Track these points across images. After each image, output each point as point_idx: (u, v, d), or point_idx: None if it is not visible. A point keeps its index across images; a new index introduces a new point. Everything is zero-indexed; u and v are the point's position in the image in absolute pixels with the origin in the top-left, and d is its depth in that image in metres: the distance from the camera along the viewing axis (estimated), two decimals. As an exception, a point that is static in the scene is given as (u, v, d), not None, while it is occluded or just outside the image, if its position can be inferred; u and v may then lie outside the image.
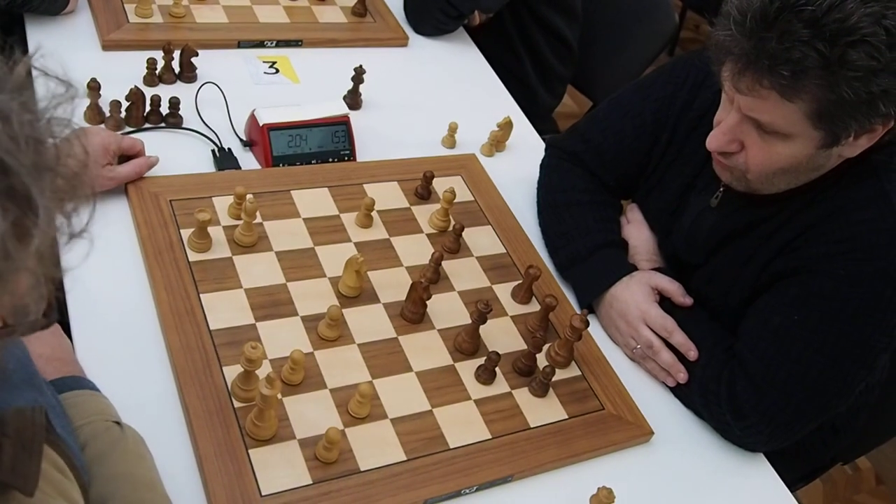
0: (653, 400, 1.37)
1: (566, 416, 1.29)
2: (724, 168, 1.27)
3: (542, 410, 1.28)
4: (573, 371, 1.35)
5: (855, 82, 1.04)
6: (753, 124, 1.16)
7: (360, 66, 1.71)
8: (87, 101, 1.51)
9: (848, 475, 2.66)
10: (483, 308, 1.28)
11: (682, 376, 1.35)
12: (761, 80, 1.09)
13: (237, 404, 1.15)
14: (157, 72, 1.63)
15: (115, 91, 1.53)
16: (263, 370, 1.14)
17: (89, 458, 0.94)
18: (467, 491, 1.17)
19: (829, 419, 1.55)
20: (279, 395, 1.17)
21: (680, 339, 1.35)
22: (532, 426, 1.26)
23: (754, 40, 1.07)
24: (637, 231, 1.51)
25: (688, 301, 1.40)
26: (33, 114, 0.58)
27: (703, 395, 1.33)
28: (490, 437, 1.23)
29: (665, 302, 1.41)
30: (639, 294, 1.40)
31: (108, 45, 1.67)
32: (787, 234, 1.27)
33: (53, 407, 0.92)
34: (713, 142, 1.22)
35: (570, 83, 2.42)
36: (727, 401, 1.29)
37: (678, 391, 1.37)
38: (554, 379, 1.31)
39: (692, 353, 1.34)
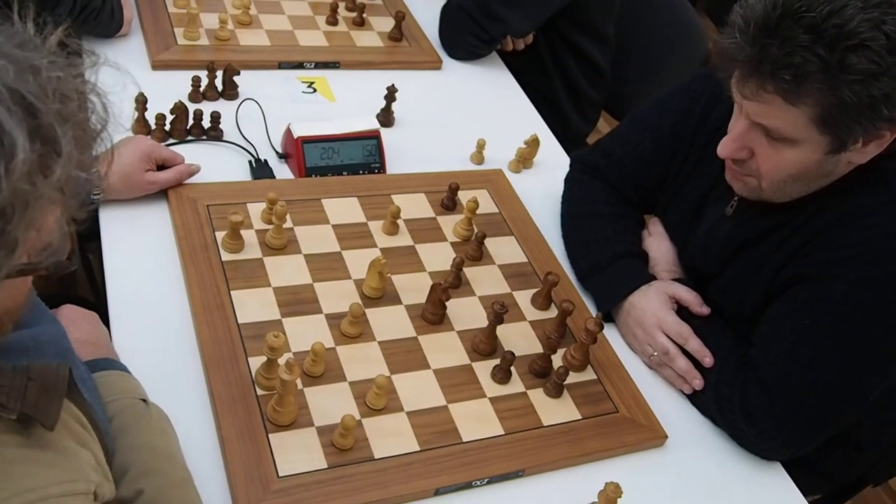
0: (669, 405, 1.40)
1: (579, 417, 1.32)
2: (737, 178, 1.31)
3: (555, 410, 1.31)
4: (589, 374, 1.38)
5: (856, 86, 1.08)
6: (762, 131, 1.20)
7: (393, 85, 1.78)
8: (135, 115, 1.60)
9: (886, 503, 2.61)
10: (499, 309, 1.32)
11: (698, 382, 1.37)
12: (765, 85, 1.13)
13: (260, 392, 1.21)
14: (201, 89, 1.72)
15: (161, 106, 1.62)
16: (285, 360, 1.19)
17: (115, 430, 1.01)
18: (478, 483, 1.20)
19: (853, 436, 1.56)
20: (300, 385, 1.23)
21: (695, 345, 1.38)
22: (545, 425, 1.29)
23: (757, 47, 1.11)
24: (657, 243, 1.55)
25: (705, 310, 1.43)
26: (61, 72, 0.66)
27: (717, 401, 1.35)
28: (503, 432, 1.26)
29: (682, 311, 1.44)
30: (655, 302, 1.43)
31: (157, 65, 1.77)
32: (800, 240, 1.29)
33: (85, 381, 0.98)
34: (723, 149, 1.26)
35: (604, 109, 2.47)
36: (740, 406, 1.31)
37: (694, 398, 1.40)
38: (569, 381, 1.34)
39: (707, 359, 1.37)
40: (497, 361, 1.34)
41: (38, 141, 0.63)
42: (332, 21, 2.03)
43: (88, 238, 1.45)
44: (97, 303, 1.29)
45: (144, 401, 1.08)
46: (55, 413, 0.76)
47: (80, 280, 2.09)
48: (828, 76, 1.08)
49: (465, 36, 2.03)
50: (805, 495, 1.35)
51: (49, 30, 0.70)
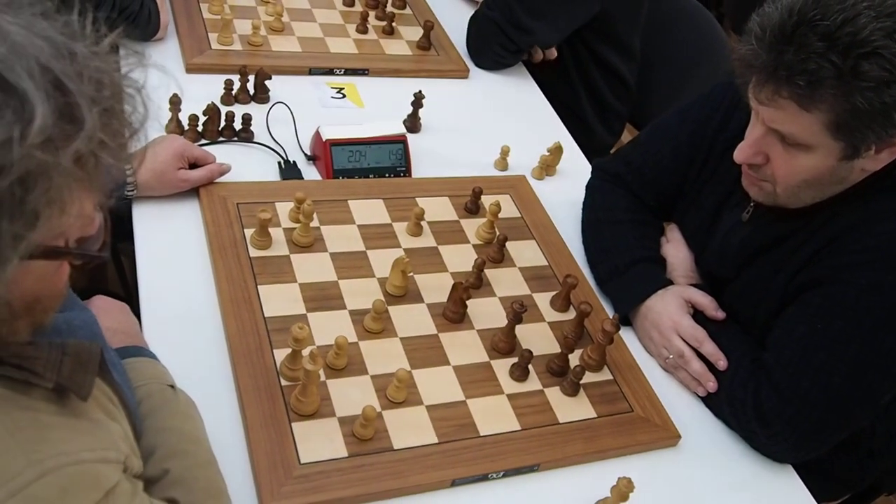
0: (683, 407, 1.42)
1: (595, 415, 1.34)
2: (753, 184, 1.34)
3: (571, 408, 1.34)
4: (605, 375, 1.41)
5: (868, 92, 1.11)
6: (777, 136, 1.23)
7: (420, 92, 1.83)
8: (169, 115, 1.65)
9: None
10: (518, 308, 1.36)
11: (712, 385, 1.40)
12: (780, 91, 1.16)
13: (284, 383, 1.25)
14: (233, 92, 1.78)
15: (194, 108, 1.67)
16: (309, 351, 1.23)
17: (143, 413, 1.05)
18: (494, 476, 1.23)
19: (866, 443, 1.57)
20: (323, 377, 1.27)
21: (710, 348, 1.40)
22: (561, 422, 1.32)
23: (774, 53, 1.14)
24: (675, 249, 1.58)
25: (720, 315, 1.45)
26: (100, 62, 0.70)
27: (730, 403, 1.37)
28: (519, 428, 1.29)
29: (698, 315, 1.46)
30: (672, 305, 1.45)
31: (191, 68, 1.83)
32: (813, 246, 1.32)
33: (115, 365, 1.03)
34: (740, 154, 1.29)
35: (629, 122, 2.50)
36: (752, 408, 1.33)
37: (708, 400, 1.42)
38: (586, 381, 1.37)
39: (721, 362, 1.39)
40: (515, 359, 1.37)
41: (63, 117, 0.67)
42: (362, 29, 2.08)
43: (122, 238, 1.50)
44: (127, 300, 1.34)
45: (172, 387, 1.12)
46: (88, 385, 0.80)
47: (111, 278, 2.15)
48: (841, 82, 1.11)
49: (492, 46, 2.07)
50: (818, 501, 1.37)
51: (104, 30, 0.74)
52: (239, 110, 1.73)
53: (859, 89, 1.11)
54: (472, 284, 1.45)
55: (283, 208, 1.53)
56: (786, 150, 1.23)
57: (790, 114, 1.18)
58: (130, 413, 0.95)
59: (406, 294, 1.44)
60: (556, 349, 1.41)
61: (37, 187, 0.67)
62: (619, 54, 2.23)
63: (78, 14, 0.74)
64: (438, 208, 1.63)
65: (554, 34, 2.09)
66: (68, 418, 0.78)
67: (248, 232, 1.46)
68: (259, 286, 1.38)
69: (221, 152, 1.60)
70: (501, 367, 1.38)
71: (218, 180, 1.55)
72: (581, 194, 1.73)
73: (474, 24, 2.12)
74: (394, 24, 2.11)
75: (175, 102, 1.63)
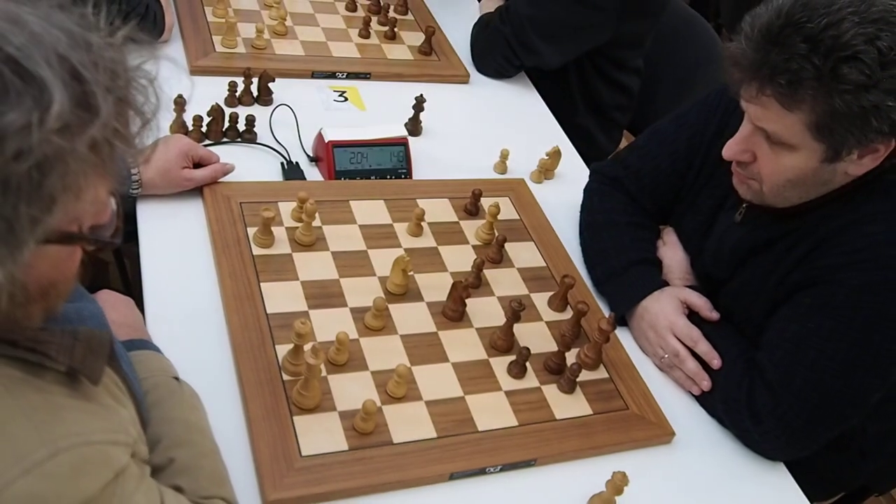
0: (677, 405, 1.44)
1: (591, 412, 1.37)
2: (742, 182, 1.37)
3: (568, 405, 1.37)
4: (601, 373, 1.43)
5: (846, 95, 1.14)
6: (763, 135, 1.27)
7: (421, 95, 1.85)
8: (173, 116, 1.67)
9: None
10: (516, 306, 1.38)
11: (706, 384, 1.42)
12: (763, 89, 1.20)
13: (286, 377, 1.27)
14: (237, 94, 1.80)
15: (199, 109, 1.69)
16: (311, 346, 1.25)
17: (149, 404, 1.07)
18: (491, 470, 1.25)
19: (858, 443, 1.60)
20: (324, 372, 1.29)
21: (704, 348, 1.43)
22: (557, 418, 1.34)
23: (761, 53, 1.18)
24: (672, 252, 1.60)
25: (714, 316, 1.48)
26: (117, 54, 0.73)
27: (724, 401, 1.40)
28: (517, 424, 1.31)
29: (693, 316, 1.49)
30: (668, 306, 1.48)
31: (195, 70, 1.85)
32: (805, 248, 1.34)
33: (122, 356, 1.05)
34: (728, 150, 1.33)
35: (626, 129, 2.52)
36: (746, 406, 1.36)
37: (702, 399, 1.44)
38: (582, 379, 1.39)
39: (716, 361, 1.42)
40: (513, 357, 1.39)
41: (80, 105, 0.70)
42: (365, 34, 2.11)
43: (124, 238, 1.52)
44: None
45: (177, 379, 1.14)
46: (100, 370, 0.83)
47: (113, 278, 2.18)
48: (820, 84, 1.15)
49: (496, 57, 2.10)
50: (810, 501, 1.39)
51: (118, 23, 0.77)
52: (242, 112, 1.75)
53: (838, 91, 1.14)
54: (471, 284, 1.48)
55: (286, 208, 1.56)
56: (771, 150, 1.27)
57: (773, 112, 1.21)
58: (137, 402, 0.98)
59: (406, 293, 1.47)
60: (554, 347, 1.44)
61: (54, 172, 0.69)
62: (627, 74, 2.25)
63: (92, 7, 0.77)
64: (439, 209, 1.66)
65: (559, 57, 2.10)
66: (80, 401, 0.81)
67: (251, 230, 1.49)
68: (261, 283, 1.41)
69: (225, 153, 1.62)
70: (499, 364, 1.40)
71: (221, 180, 1.57)
72: (578, 198, 1.75)
73: (483, 32, 2.14)
74: (396, 29, 2.14)
75: (180, 103, 1.65)
